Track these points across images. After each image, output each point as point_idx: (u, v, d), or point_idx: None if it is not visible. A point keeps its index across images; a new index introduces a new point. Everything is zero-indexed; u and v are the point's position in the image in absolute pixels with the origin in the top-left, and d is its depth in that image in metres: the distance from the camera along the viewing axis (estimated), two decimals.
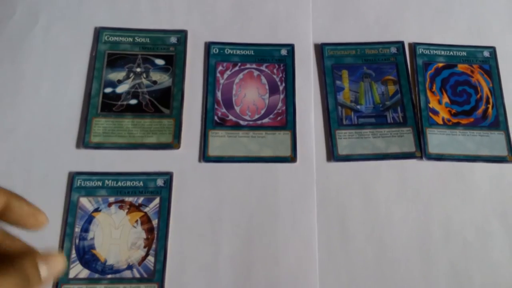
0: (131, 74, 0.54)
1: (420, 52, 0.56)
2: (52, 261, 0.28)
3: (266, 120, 0.53)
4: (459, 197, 0.50)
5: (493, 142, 0.52)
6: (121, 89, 0.53)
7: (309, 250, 0.47)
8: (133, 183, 0.49)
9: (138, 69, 0.54)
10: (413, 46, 0.57)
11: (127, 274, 0.45)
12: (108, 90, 0.53)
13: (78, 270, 0.45)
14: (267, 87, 0.55)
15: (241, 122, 0.53)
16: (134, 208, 0.48)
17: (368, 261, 0.47)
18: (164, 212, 0.48)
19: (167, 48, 0.56)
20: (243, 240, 0.47)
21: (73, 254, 0.46)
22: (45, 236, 0.46)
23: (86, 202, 0.48)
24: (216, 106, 0.53)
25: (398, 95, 0.54)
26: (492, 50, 0.57)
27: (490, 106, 0.54)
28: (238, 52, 0.56)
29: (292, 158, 0.51)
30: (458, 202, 0.50)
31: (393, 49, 0.57)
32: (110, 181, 0.49)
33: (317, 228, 0.48)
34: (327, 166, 0.51)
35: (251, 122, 0.53)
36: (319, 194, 0.50)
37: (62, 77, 0.54)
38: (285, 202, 0.49)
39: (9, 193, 0.29)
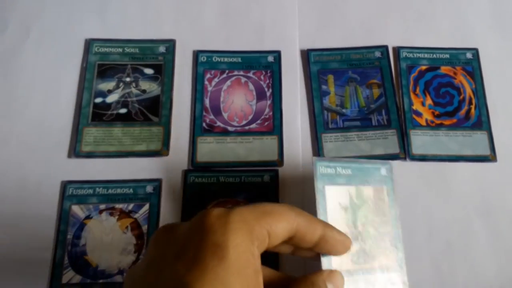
0: (121, 84, 0.56)
1: (404, 55, 0.57)
2: (335, 279, 0.29)
3: (253, 126, 0.54)
4: (442, 196, 0.51)
5: (476, 142, 0.53)
6: (111, 98, 0.55)
7: None
8: (123, 190, 0.50)
9: (128, 79, 0.56)
10: (397, 50, 0.58)
11: (118, 279, 0.46)
12: (99, 100, 0.54)
13: (70, 276, 0.46)
14: (254, 93, 0.56)
15: (229, 128, 0.54)
16: (124, 214, 0.49)
17: None
18: (154, 218, 0.49)
19: (156, 58, 0.57)
20: None
21: (66, 261, 0.47)
22: (38, 244, 0.47)
23: (78, 210, 0.49)
24: (204, 113, 0.54)
25: (382, 98, 0.55)
26: (475, 51, 0.58)
27: (473, 106, 0.55)
28: (225, 59, 0.57)
29: (279, 163, 0.52)
30: (441, 202, 0.50)
31: (377, 53, 0.58)
32: (100, 189, 0.50)
33: None
34: None
35: (238, 128, 0.54)
36: (306, 197, 0.50)
37: (53, 89, 0.55)
38: None
39: (324, 225, 0.30)
